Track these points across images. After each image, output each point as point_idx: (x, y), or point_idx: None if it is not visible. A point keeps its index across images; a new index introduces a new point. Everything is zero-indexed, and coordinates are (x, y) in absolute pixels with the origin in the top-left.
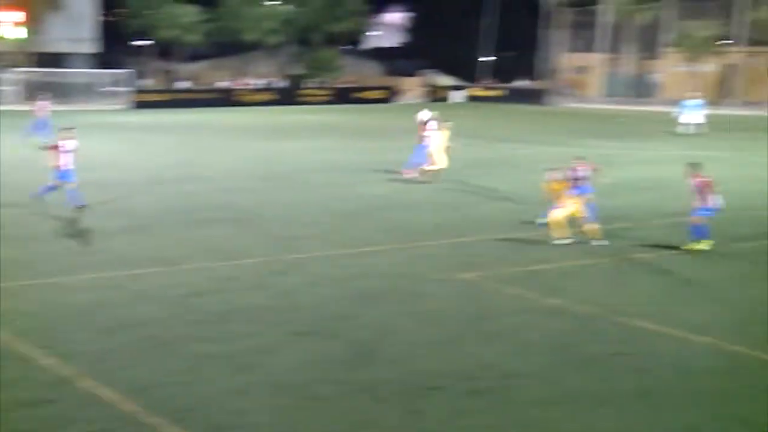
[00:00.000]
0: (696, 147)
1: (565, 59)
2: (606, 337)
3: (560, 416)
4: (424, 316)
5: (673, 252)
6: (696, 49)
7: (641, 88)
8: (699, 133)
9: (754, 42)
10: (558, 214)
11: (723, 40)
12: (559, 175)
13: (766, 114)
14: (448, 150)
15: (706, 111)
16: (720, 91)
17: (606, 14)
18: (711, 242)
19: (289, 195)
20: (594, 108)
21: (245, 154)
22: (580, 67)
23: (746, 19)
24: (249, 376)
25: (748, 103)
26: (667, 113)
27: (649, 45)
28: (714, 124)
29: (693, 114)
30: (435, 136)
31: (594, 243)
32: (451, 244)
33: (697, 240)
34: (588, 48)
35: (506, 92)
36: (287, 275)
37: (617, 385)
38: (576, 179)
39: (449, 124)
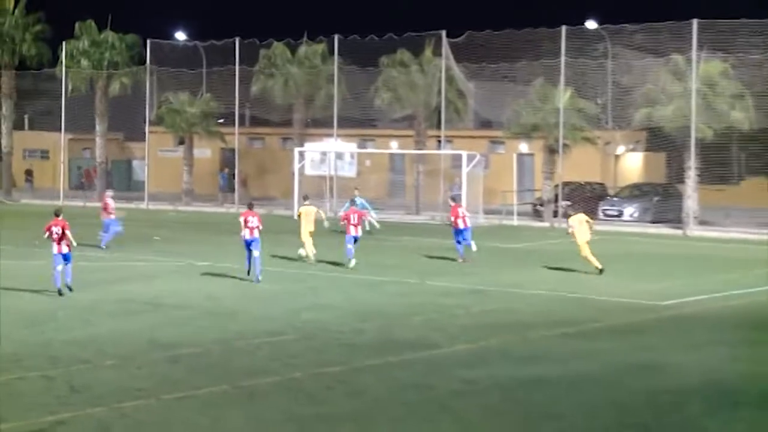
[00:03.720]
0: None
1: (16, 139)
2: None
3: None
4: None
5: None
6: (186, 130)
7: (119, 179)
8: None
9: (256, 122)
10: None
11: (221, 118)
12: None
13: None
14: None
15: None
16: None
17: (67, 81)
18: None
19: None
20: (56, 205)
21: None
22: (38, 151)
23: (249, 92)
24: None
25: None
26: (160, 212)
27: (128, 123)
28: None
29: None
30: None
31: None
32: None
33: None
34: (50, 125)
35: None
36: None
37: None
38: None
39: None
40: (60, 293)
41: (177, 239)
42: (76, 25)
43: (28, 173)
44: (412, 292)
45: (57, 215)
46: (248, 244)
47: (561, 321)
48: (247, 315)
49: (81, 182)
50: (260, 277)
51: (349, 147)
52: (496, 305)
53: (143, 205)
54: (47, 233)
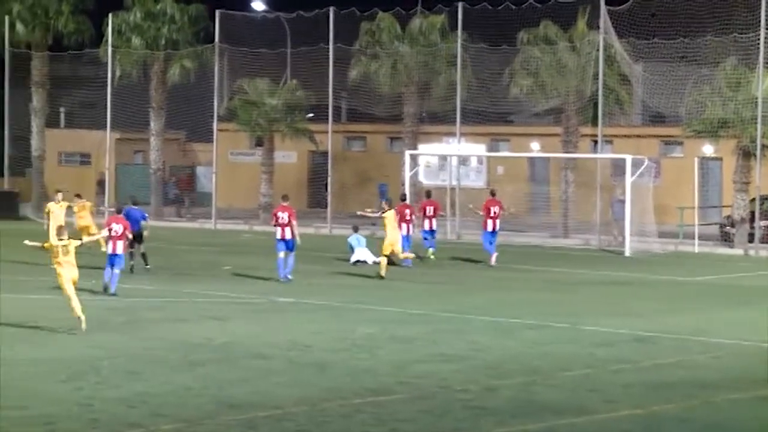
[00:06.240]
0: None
1: (49, 140)
2: None
3: None
4: None
5: None
6: (265, 128)
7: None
8: None
9: (356, 117)
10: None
11: (310, 112)
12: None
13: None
14: None
15: None
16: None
17: (114, 65)
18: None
19: None
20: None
21: None
22: (77, 155)
23: (346, 79)
24: None
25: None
26: (231, 233)
27: (192, 118)
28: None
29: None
30: None
31: None
32: None
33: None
34: (93, 121)
35: None
36: None
37: None
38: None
39: None
40: (105, 289)
41: (253, 269)
42: None
43: (101, 185)
44: (559, 340)
45: (119, 212)
46: (286, 246)
47: (759, 380)
48: (342, 367)
49: (175, 194)
50: (291, 276)
51: (477, 149)
52: (670, 358)
53: (210, 224)
54: (107, 230)
